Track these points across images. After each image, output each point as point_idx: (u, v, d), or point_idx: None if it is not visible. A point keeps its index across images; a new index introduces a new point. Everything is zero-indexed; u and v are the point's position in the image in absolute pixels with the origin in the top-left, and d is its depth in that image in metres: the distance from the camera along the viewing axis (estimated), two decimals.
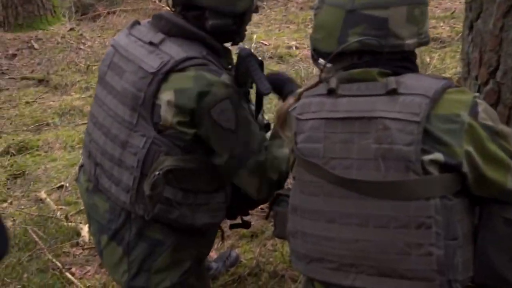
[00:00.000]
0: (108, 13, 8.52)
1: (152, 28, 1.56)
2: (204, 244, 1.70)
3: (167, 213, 1.50)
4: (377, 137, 1.15)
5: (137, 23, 1.64)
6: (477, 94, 1.31)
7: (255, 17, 7.90)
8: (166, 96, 1.44)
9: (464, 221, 1.17)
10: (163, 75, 1.44)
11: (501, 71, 1.70)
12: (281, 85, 1.71)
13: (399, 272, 1.15)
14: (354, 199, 1.18)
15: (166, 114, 1.45)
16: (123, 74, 1.53)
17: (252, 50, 5.74)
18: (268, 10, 8.52)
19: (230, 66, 1.59)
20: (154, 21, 1.56)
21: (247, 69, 1.51)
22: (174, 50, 1.47)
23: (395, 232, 1.15)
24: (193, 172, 1.51)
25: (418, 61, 3.73)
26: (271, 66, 5.42)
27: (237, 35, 1.62)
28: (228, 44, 1.65)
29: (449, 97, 1.16)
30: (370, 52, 1.23)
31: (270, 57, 5.86)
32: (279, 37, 6.78)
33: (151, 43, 1.50)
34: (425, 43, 1.29)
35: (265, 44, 6.41)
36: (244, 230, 2.33)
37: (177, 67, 1.44)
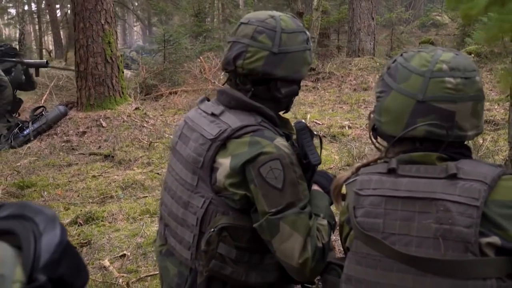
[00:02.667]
0: (170, 93, 8.99)
1: (216, 102, 1.70)
2: None
3: (221, 269, 1.56)
4: (437, 217, 1.21)
5: (206, 99, 1.78)
6: None
7: (309, 98, 8.22)
8: (223, 161, 1.54)
9: None
10: (221, 142, 1.55)
11: None
12: (325, 184, 1.75)
13: None
14: (412, 275, 1.23)
15: (221, 177, 1.55)
16: (188, 142, 1.66)
17: None
18: (323, 91, 8.75)
19: (287, 134, 1.66)
20: (218, 96, 1.71)
21: (301, 141, 1.59)
22: (232, 120, 1.58)
23: None
24: (247, 231, 1.56)
25: (470, 142, 3.76)
26: (324, 145, 5.52)
27: (290, 103, 1.74)
28: (281, 112, 1.75)
29: (505, 183, 1.22)
30: (433, 140, 1.31)
31: (324, 136, 5.96)
32: (333, 116, 6.91)
33: (212, 114, 1.64)
34: (480, 133, 1.38)
35: (319, 124, 6.54)
36: None
37: (234, 135, 1.55)
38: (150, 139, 6.17)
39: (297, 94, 1.70)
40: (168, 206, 1.71)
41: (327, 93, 8.58)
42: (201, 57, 10.27)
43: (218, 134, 1.56)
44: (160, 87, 9.27)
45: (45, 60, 7.62)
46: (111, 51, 7.10)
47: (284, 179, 1.50)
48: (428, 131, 1.29)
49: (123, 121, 6.78)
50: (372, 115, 1.44)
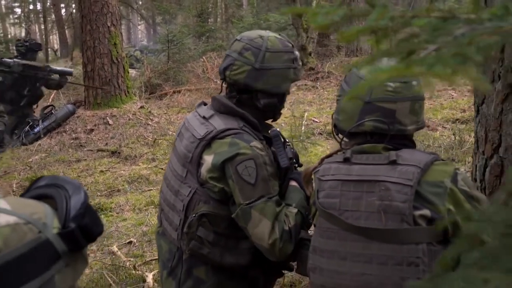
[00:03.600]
0: (174, 92, 9.24)
1: (210, 107, 1.97)
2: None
3: (199, 249, 1.83)
4: (380, 195, 1.51)
5: (203, 103, 2.05)
6: (457, 166, 1.66)
7: (308, 97, 8.49)
8: (208, 157, 1.81)
9: None
10: (207, 141, 1.81)
11: (502, 148, 2.01)
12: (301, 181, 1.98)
13: None
14: (362, 242, 1.53)
15: (204, 171, 1.81)
16: (182, 139, 1.94)
17: (303, 127, 6.19)
18: (322, 90, 8.98)
19: (269, 138, 1.90)
20: (211, 102, 1.98)
21: (274, 147, 1.85)
22: (218, 123, 1.84)
23: (392, 269, 1.48)
24: (224, 219, 1.82)
25: (458, 138, 4.12)
26: (320, 142, 5.78)
27: (278, 113, 1.98)
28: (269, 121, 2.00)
29: (436, 167, 1.52)
30: (379, 134, 1.61)
31: (320, 133, 6.20)
32: (330, 115, 7.07)
33: (203, 117, 1.91)
34: (421, 128, 1.68)
35: (316, 121, 6.79)
36: (285, 280, 2.66)
37: (218, 136, 1.81)
38: (155, 136, 6.44)
39: (276, 106, 1.92)
40: (164, 193, 1.99)
41: (325, 92, 8.81)
42: (204, 57, 10.57)
43: (205, 134, 1.82)
44: (164, 86, 9.56)
45: (71, 70, 7.69)
46: (117, 52, 7.40)
47: (257, 176, 1.75)
48: (374, 126, 1.58)
49: (129, 119, 7.06)
50: (333, 116, 1.74)
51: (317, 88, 9.14)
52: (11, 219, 0.81)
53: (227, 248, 1.85)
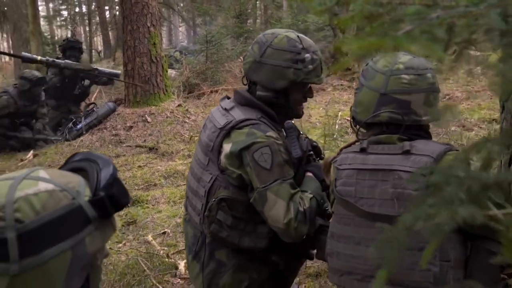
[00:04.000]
0: (211, 91, 9.40)
1: (232, 100, 2.07)
2: (264, 271, 2.02)
3: (218, 232, 1.92)
4: (393, 184, 1.57)
5: (226, 97, 2.15)
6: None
7: (344, 96, 8.50)
8: (226, 146, 1.90)
9: (456, 249, 1.52)
10: (227, 131, 1.91)
11: None
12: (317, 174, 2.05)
13: (406, 283, 1.53)
14: (376, 229, 1.59)
15: (223, 159, 1.91)
16: (206, 130, 2.05)
17: (336, 126, 6.21)
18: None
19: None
20: (233, 95, 2.08)
21: (287, 138, 1.94)
22: (238, 114, 1.94)
23: (404, 253, 1.54)
24: (243, 204, 1.91)
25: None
26: (352, 139, 5.79)
27: (288, 110, 2.03)
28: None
29: (448, 157, 1.55)
30: (395, 124, 1.66)
31: (353, 133, 6.23)
32: None
33: (225, 109, 2.01)
34: (437, 120, 1.73)
35: (348, 120, 6.79)
36: (310, 270, 2.73)
37: (237, 126, 1.91)
38: (191, 134, 6.59)
39: (273, 102, 1.97)
40: (189, 181, 2.11)
41: None
42: (241, 57, 10.70)
43: (225, 124, 1.92)
44: (202, 86, 9.72)
45: (119, 72, 7.84)
46: (156, 52, 7.61)
47: (272, 161, 1.84)
48: (390, 116, 1.64)
49: (167, 117, 7.24)
50: (352, 108, 1.80)
51: (353, 88, 9.11)
52: (49, 186, 0.92)
53: (245, 231, 1.93)
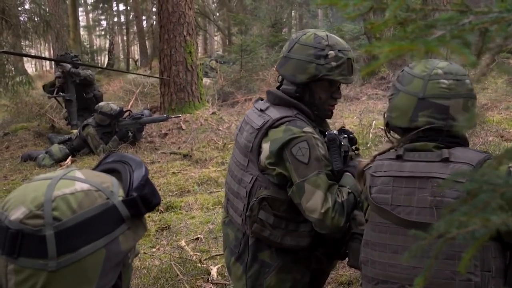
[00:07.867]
0: (245, 100, 9.49)
1: (266, 100, 2.10)
2: (307, 273, 2.05)
3: (261, 231, 1.95)
4: (432, 192, 1.55)
5: (260, 99, 2.19)
6: (511, 164, 1.66)
7: (378, 106, 8.42)
8: (265, 145, 1.94)
9: (496, 259, 1.50)
10: (264, 131, 1.95)
11: None
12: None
13: None
14: (413, 237, 1.58)
15: (263, 158, 1.94)
16: (243, 132, 2.08)
17: (370, 135, 6.17)
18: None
19: (322, 131, 2.01)
20: (267, 96, 2.11)
21: (329, 150, 1.95)
22: (273, 113, 1.98)
23: (444, 263, 1.50)
24: (284, 202, 1.94)
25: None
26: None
27: (314, 108, 2.03)
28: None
29: (488, 166, 1.54)
30: (433, 130, 1.64)
31: (388, 142, 6.16)
32: None
33: (260, 110, 2.04)
34: (474, 126, 1.70)
35: (383, 129, 6.72)
36: (342, 278, 2.71)
37: (274, 125, 1.94)
38: (225, 141, 6.63)
39: (298, 97, 2.00)
40: (229, 183, 2.14)
41: None
42: (275, 66, 10.74)
43: (263, 124, 1.96)
44: (236, 94, 9.83)
45: (166, 115, 7.32)
46: (192, 60, 7.74)
47: (310, 156, 1.87)
48: (428, 121, 1.62)
49: (201, 125, 7.33)
50: (385, 114, 1.79)
51: (387, 97, 9.01)
52: (85, 186, 0.95)
53: (287, 230, 1.96)
